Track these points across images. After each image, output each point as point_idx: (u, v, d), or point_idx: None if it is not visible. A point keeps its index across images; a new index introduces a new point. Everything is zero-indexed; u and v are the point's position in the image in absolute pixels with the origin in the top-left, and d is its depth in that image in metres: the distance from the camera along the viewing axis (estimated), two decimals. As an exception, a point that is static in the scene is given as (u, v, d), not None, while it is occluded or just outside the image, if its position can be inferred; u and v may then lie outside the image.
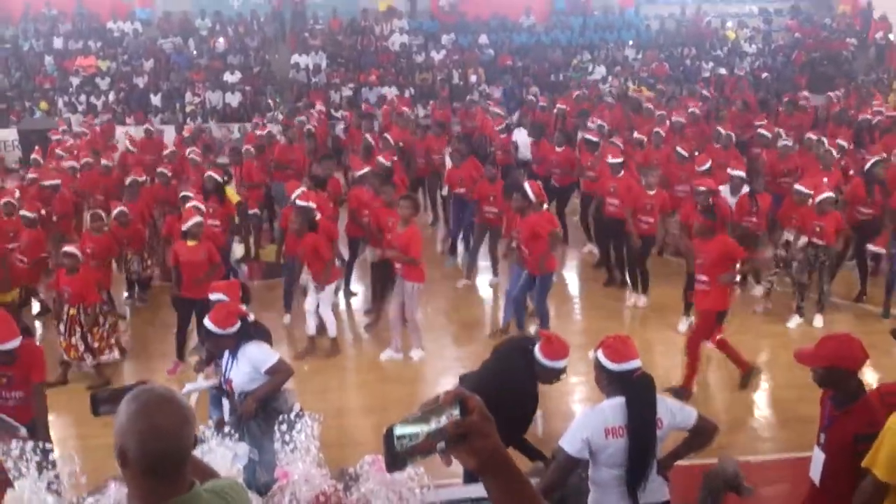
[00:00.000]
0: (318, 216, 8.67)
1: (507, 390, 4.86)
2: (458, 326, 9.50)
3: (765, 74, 21.38)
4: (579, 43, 23.99)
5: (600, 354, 4.10)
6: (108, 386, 7.40)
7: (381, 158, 10.39)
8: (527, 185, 8.47)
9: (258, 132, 14.04)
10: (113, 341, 8.22)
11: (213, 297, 6.05)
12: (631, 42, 24.06)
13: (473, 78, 21.51)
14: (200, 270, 7.96)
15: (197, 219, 8.09)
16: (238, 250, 11.18)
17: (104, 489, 3.47)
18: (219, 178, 10.01)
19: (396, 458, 1.59)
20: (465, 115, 16.96)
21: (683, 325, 8.73)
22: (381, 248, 8.61)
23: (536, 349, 4.99)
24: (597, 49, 23.61)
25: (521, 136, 13.52)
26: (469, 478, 4.76)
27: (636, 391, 4.01)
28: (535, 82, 21.37)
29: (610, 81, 21.30)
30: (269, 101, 20.01)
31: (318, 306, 8.44)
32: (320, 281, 8.32)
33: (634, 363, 4.04)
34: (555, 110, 15.37)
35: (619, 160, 10.11)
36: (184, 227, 8.09)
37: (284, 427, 3.93)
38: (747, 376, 7.52)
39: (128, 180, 10.51)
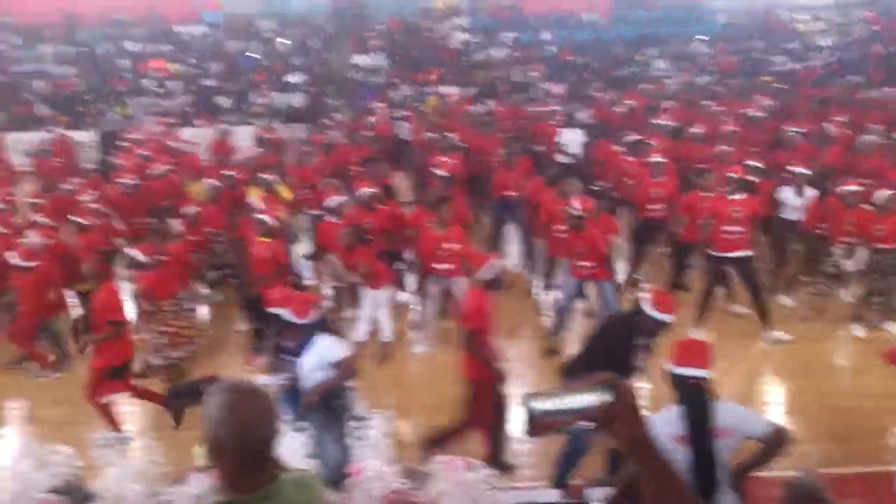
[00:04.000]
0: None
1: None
2: (506, 329, 9.43)
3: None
4: (644, 37, 23.61)
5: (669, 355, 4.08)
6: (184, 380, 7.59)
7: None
8: (575, 202, 8.31)
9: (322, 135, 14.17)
10: (185, 338, 8.39)
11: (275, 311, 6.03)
12: (699, 36, 23.54)
13: (534, 75, 21.37)
14: (268, 268, 8.15)
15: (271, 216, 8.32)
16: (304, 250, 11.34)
17: (185, 481, 3.58)
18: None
19: (535, 426, 1.72)
20: (517, 114, 16.65)
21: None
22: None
23: (645, 301, 5.33)
24: (662, 43, 23.21)
25: (573, 136, 13.33)
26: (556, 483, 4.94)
27: (688, 399, 3.96)
28: (597, 78, 21.13)
29: (675, 77, 20.93)
30: (330, 102, 20.19)
31: (373, 309, 8.50)
32: (374, 286, 8.43)
33: (695, 371, 3.99)
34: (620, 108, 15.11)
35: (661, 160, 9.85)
36: (259, 225, 8.33)
37: (356, 423, 3.99)
38: None
39: (205, 182, 10.76)
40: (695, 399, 3.97)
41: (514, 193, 10.64)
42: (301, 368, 5.45)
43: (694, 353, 4.10)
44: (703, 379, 4.02)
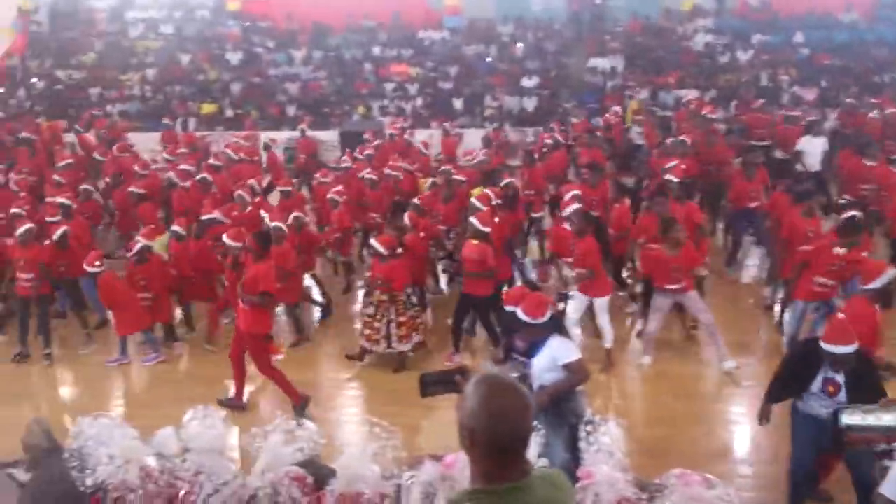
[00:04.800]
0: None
1: None
2: (736, 340, 8.91)
3: None
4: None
5: None
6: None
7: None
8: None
9: (547, 138, 14.16)
10: (413, 330, 8.67)
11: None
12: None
13: (784, 79, 20.06)
14: (476, 269, 8.23)
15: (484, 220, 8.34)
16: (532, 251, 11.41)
17: (419, 465, 3.65)
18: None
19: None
20: (759, 121, 15.62)
21: None
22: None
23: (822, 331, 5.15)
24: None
25: (813, 145, 12.39)
26: None
27: None
28: (855, 83, 19.48)
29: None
30: (564, 105, 20.14)
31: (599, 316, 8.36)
32: (597, 294, 8.27)
33: None
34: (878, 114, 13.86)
35: None
36: (470, 227, 8.43)
37: (589, 428, 3.88)
38: None
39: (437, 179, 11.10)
40: None
41: (754, 204, 10.15)
42: (533, 369, 5.41)
43: None
44: None
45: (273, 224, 9.22)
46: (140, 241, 9.06)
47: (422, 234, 9.49)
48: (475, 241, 8.24)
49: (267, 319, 7.73)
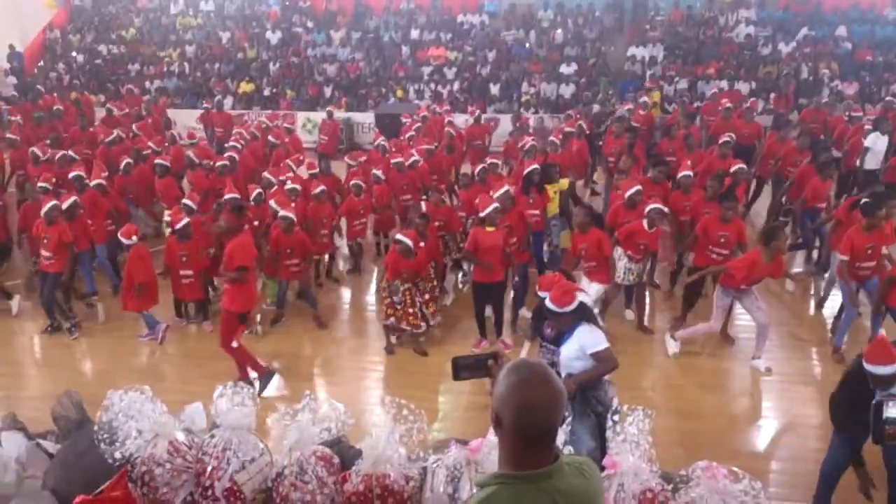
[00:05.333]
0: None
1: None
2: (785, 336, 8.90)
3: None
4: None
5: None
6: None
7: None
8: None
9: (566, 127, 14.05)
10: (433, 310, 8.82)
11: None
12: None
13: (825, 73, 19.71)
14: (493, 256, 8.23)
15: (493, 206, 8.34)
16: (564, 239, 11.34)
17: (446, 449, 3.66)
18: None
19: (882, 433, 1.65)
20: (811, 115, 15.41)
21: None
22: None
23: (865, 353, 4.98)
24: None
25: (877, 142, 12.15)
26: None
27: None
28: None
29: None
30: (600, 92, 19.96)
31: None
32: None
33: None
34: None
35: None
36: (481, 214, 8.40)
37: (617, 417, 3.86)
38: None
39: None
40: None
41: (822, 205, 10.07)
42: (561, 357, 5.39)
43: None
44: None
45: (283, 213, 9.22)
46: (183, 218, 9.00)
47: (437, 224, 9.58)
48: (490, 229, 8.24)
49: (242, 297, 7.82)
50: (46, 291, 9.22)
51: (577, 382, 5.22)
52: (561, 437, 4.19)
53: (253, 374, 7.90)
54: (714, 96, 17.32)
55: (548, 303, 5.43)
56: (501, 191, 8.78)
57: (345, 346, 9.12)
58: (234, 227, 7.93)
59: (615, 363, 5.39)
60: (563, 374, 5.36)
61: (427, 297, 8.70)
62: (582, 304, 5.45)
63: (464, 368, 2.92)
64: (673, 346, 8.45)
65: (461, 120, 16.83)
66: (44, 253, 9.13)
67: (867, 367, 4.84)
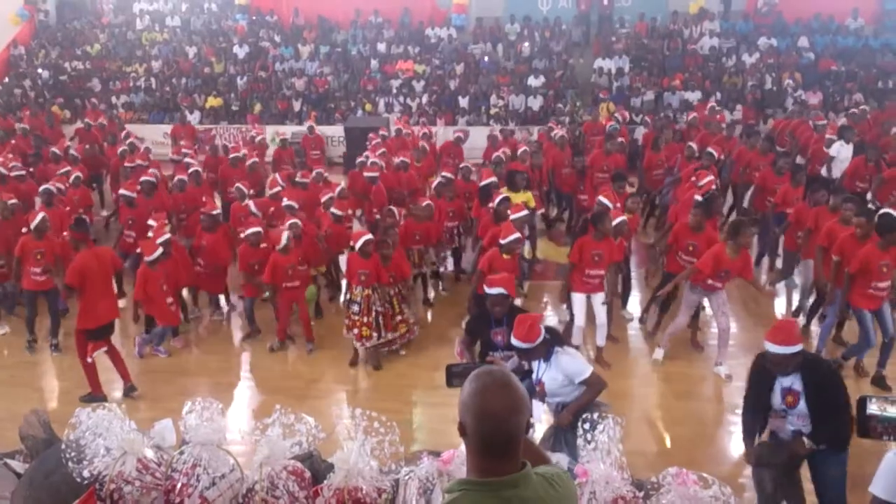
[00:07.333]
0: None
1: None
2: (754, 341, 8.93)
3: None
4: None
5: None
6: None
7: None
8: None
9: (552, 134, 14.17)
10: (400, 321, 8.76)
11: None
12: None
13: (789, 82, 20.06)
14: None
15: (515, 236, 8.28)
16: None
17: (418, 461, 3.65)
18: None
19: (866, 428, 1.68)
20: (783, 124, 15.60)
21: None
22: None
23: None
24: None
25: (841, 151, 12.35)
26: None
27: None
28: (859, 89, 19.49)
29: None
30: (568, 104, 20.11)
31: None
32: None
33: None
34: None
35: None
36: (502, 242, 8.28)
37: (587, 426, 3.87)
38: None
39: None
40: None
41: (790, 210, 10.03)
42: (546, 387, 5.36)
43: None
44: None
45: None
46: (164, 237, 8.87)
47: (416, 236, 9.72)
48: (506, 257, 8.08)
49: (86, 315, 7.82)
50: (51, 308, 9.30)
51: (573, 413, 5.17)
52: (566, 466, 4.17)
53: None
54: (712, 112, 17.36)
55: (515, 342, 5.23)
56: (519, 214, 8.80)
57: (317, 359, 9.07)
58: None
59: (603, 384, 5.37)
60: (554, 404, 5.38)
61: (385, 308, 8.60)
62: (549, 331, 5.40)
63: (456, 376, 2.94)
64: (658, 354, 8.58)
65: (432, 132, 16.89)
66: (34, 269, 9.05)
67: (767, 345, 4.86)
